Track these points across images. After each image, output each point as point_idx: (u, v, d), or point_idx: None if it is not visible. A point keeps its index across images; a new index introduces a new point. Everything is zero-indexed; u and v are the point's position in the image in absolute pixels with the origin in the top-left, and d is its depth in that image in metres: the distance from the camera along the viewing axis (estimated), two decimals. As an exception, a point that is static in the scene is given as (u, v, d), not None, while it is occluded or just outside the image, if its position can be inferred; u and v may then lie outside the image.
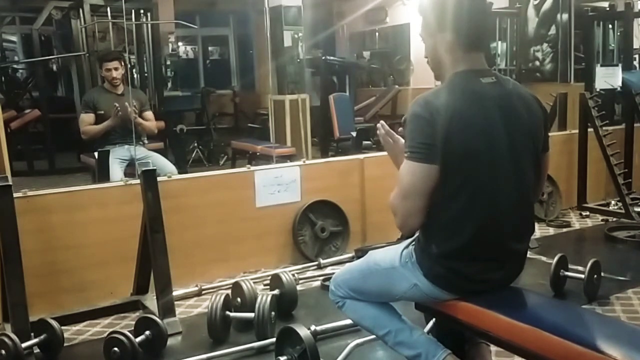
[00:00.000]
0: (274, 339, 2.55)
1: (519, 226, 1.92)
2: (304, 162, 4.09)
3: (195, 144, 7.88)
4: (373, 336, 2.55)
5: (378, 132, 2.08)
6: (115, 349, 2.52)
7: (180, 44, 10.70)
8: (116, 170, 4.39)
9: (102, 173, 4.30)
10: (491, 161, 1.80)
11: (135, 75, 7.65)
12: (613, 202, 5.03)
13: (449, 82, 1.86)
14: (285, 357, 2.38)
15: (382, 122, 2.08)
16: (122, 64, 4.76)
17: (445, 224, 1.83)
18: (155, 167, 3.07)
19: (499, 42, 7.81)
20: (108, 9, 6.78)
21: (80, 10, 7.17)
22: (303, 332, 2.36)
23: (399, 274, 1.95)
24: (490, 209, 1.81)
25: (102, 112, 4.61)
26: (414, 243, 1.97)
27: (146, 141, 4.89)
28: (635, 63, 7.07)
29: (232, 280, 3.24)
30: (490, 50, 7.24)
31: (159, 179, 3.06)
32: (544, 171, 2.04)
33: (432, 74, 2.00)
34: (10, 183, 2.74)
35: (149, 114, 4.88)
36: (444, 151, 1.74)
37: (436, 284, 1.88)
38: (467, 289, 1.86)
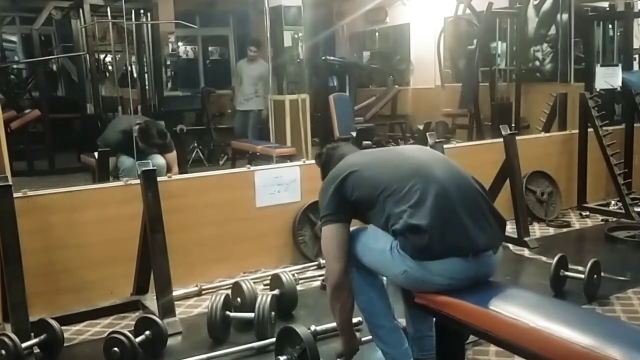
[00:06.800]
0: (274, 339, 2.55)
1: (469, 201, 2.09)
2: (304, 162, 4.09)
3: (195, 144, 7.88)
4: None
5: None
6: (115, 349, 2.52)
7: (180, 44, 10.67)
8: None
9: (102, 173, 4.30)
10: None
11: (135, 75, 7.65)
12: (613, 202, 5.03)
13: None
14: (285, 357, 2.38)
15: None
16: None
17: (405, 209, 2.01)
18: (155, 167, 3.07)
19: (499, 42, 7.80)
20: (108, 9, 6.79)
21: (80, 10, 7.17)
22: (303, 332, 2.36)
23: (391, 259, 2.06)
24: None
25: None
26: None
27: None
28: (635, 63, 7.05)
29: (232, 280, 3.25)
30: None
31: (159, 178, 3.06)
32: None
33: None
34: (10, 183, 2.74)
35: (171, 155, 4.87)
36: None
37: (408, 253, 1.99)
38: (444, 250, 1.97)
